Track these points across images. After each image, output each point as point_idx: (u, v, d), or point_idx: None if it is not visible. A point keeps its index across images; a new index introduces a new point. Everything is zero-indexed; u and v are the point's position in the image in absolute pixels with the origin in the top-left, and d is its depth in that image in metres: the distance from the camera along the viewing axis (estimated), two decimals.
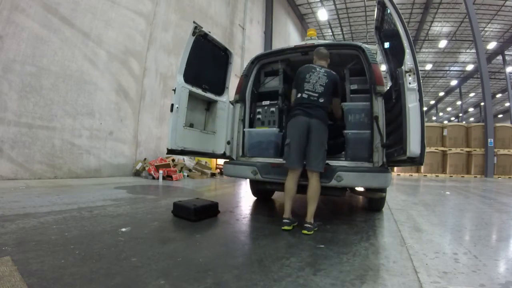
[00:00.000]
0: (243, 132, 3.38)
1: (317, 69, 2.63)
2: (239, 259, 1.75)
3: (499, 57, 20.72)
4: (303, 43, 3.56)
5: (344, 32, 20.40)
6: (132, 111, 6.58)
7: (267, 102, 3.54)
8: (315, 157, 2.43)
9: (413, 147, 1.95)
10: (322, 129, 2.49)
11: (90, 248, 1.78)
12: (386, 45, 2.84)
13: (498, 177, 11.00)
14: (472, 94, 31.04)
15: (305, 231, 2.33)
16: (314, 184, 2.44)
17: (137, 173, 6.45)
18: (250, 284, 1.38)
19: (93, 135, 5.68)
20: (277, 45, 13.60)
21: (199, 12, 8.82)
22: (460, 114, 33.22)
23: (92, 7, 5.56)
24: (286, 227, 2.39)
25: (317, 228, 2.45)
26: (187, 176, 7.04)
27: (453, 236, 2.45)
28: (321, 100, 2.53)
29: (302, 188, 2.65)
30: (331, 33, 20.72)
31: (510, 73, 20.36)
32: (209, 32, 3.04)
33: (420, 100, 1.99)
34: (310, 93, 2.55)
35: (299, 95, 2.60)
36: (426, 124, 2.15)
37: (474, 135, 11.43)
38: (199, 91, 3.08)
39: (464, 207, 4.16)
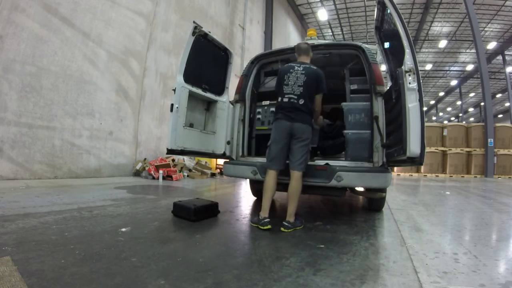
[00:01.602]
0: (243, 132, 3.38)
1: (296, 68, 2.59)
2: (239, 259, 1.75)
3: (499, 57, 20.73)
4: None
5: (344, 32, 20.40)
6: (132, 111, 6.58)
7: (267, 102, 3.54)
8: (297, 158, 2.49)
9: (413, 147, 1.95)
10: (305, 131, 2.52)
11: (90, 248, 1.78)
12: (386, 45, 2.84)
13: (498, 177, 11.00)
14: (472, 94, 31.04)
15: (282, 229, 2.36)
16: (294, 183, 2.48)
17: (137, 173, 6.45)
18: (250, 284, 1.38)
19: (93, 135, 5.68)
20: (277, 45, 13.60)
21: (199, 12, 8.82)
22: (460, 114, 33.21)
23: (92, 7, 5.56)
24: (268, 226, 2.36)
25: (301, 226, 2.46)
26: (187, 176, 7.04)
27: (453, 236, 2.45)
28: (301, 102, 2.52)
29: (306, 188, 2.66)
30: (331, 33, 20.72)
31: (510, 73, 20.37)
32: (209, 32, 3.04)
33: (420, 100, 1.99)
34: (290, 95, 2.55)
35: (279, 99, 2.62)
36: (426, 124, 2.16)
37: (474, 135, 11.43)
38: (199, 91, 3.08)
39: (464, 207, 4.16)
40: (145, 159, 6.77)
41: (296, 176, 2.48)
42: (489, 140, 10.99)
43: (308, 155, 2.57)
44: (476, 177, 11.11)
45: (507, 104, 23.97)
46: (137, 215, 2.79)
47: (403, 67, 2.04)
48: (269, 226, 2.36)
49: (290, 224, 2.40)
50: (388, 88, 2.65)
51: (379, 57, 3.16)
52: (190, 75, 2.92)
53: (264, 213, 2.45)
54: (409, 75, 2.01)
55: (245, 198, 4.27)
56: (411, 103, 1.99)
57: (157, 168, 6.32)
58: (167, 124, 3.03)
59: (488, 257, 1.85)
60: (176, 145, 2.78)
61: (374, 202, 3.35)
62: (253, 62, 3.50)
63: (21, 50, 4.50)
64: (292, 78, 2.56)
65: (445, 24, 18.32)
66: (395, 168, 11.96)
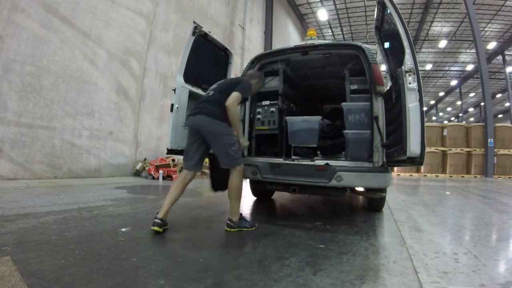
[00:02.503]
0: (243, 132, 3.38)
1: None
2: (239, 259, 1.75)
3: (499, 57, 20.72)
4: (303, 43, 3.55)
5: (344, 32, 20.40)
6: (132, 111, 6.58)
7: (267, 102, 3.54)
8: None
9: (413, 147, 1.95)
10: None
11: (90, 248, 1.78)
12: (386, 45, 2.84)
13: (498, 177, 11.00)
14: (472, 94, 31.04)
15: (226, 228, 2.33)
16: (233, 180, 2.45)
17: (137, 173, 6.45)
18: (250, 284, 1.38)
19: (93, 135, 5.68)
20: (277, 45, 13.60)
21: (199, 12, 8.82)
22: (460, 114, 33.22)
23: (92, 7, 5.56)
24: (156, 228, 2.14)
25: (250, 227, 2.38)
26: None
27: (453, 236, 2.44)
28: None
29: (306, 188, 2.64)
30: (331, 33, 20.72)
31: (510, 73, 20.36)
32: (209, 32, 3.04)
33: (420, 100, 1.99)
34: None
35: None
36: (426, 124, 2.15)
37: (474, 135, 11.42)
38: (199, 91, 3.08)
39: (464, 207, 4.16)
40: (145, 159, 6.77)
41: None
42: (489, 140, 10.99)
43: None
44: (476, 177, 11.10)
45: (507, 104, 23.96)
46: (137, 215, 2.79)
47: (403, 67, 2.04)
48: (156, 228, 2.13)
49: (233, 223, 2.34)
50: (388, 88, 2.65)
51: (379, 57, 3.15)
52: (190, 75, 2.92)
53: (160, 214, 2.24)
54: (409, 75, 2.01)
55: (245, 198, 4.26)
56: (411, 103, 1.99)
57: (157, 168, 6.33)
58: (167, 124, 3.03)
59: (488, 257, 1.85)
60: (176, 145, 2.78)
61: (374, 202, 3.34)
62: (253, 62, 3.50)
63: (21, 50, 4.51)
64: None
65: (445, 24, 18.31)
66: (395, 168, 11.95)
